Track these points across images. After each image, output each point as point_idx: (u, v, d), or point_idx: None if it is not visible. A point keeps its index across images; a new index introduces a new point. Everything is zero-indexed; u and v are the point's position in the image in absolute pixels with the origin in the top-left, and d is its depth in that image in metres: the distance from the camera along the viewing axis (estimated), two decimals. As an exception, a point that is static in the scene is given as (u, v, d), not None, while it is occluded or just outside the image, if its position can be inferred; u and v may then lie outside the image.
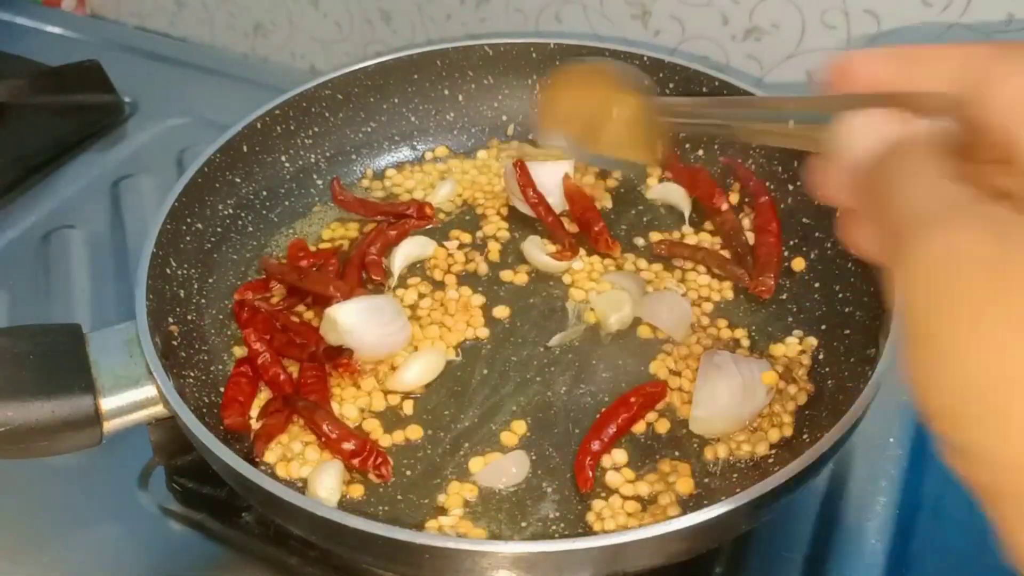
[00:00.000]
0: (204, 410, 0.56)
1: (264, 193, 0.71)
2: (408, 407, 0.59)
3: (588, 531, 0.52)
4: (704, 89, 0.71)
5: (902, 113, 0.34)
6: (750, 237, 0.68)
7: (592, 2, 0.83)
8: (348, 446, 0.54)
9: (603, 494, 0.54)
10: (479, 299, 0.66)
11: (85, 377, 0.52)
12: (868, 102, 0.35)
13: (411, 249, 0.68)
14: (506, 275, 0.67)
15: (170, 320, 0.59)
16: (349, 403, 0.59)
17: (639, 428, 0.58)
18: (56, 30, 1.03)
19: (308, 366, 0.59)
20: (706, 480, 0.55)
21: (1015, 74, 0.32)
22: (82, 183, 0.84)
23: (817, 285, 0.65)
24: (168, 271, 0.60)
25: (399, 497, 0.54)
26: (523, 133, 0.77)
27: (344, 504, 0.54)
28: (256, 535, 0.58)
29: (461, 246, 0.70)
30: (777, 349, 0.61)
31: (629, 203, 0.73)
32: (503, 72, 0.76)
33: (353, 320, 0.59)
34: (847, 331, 0.60)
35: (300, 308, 0.64)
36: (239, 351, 0.62)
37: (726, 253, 0.67)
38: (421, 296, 0.66)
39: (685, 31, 0.81)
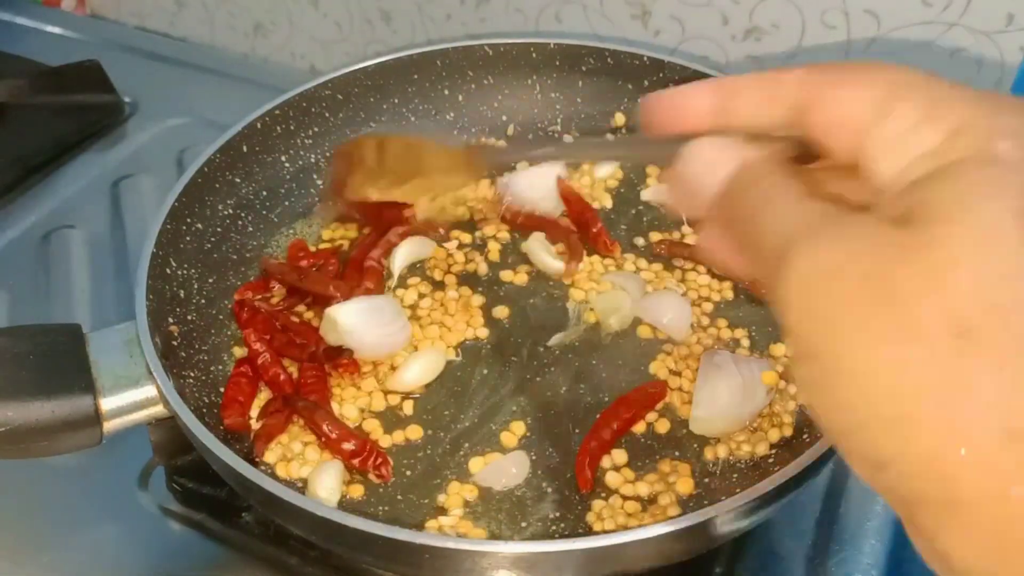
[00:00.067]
0: (204, 410, 0.56)
1: (264, 193, 0.71)
2: (408, 407, 0.59)
3: (588, 531, 0.52)
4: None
5: (736, 139, 0.34)
6: (750, 237, 0.68)
7: (592, 2, 0.83)
8: (348, 446, 0.54)
9: (603, 494, 0.54)
10: (479, 299, 0.66)
11: (85, 377, 0.52)
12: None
13: (411, 249, 0.68)
14: (506, 275, 0.67)
15: (170, 320, 0.59)
16: (349, 403, 0.59)
17: (639, 428, 0.58)
18: (56, 30, 1.03)
19: (308, 366, 0.59)
20: (706, 480, 0.55)
21: (835, 98, 0.32)
22: (82, 183, 0.84)
23: (817, 285, 0.64)
24: (168, 271, 0.60)
25: (399, 497, 0.54)
26: (523, 134, 0.77)
27: (344, 504, 0.54)
28: (256, 535, 0.58)
29: (461, 246, 0.70)
30: (777, 349, 0.61)
31: (629, 203, 0.73)
32: (503, 72, 0.76)
33: (353, 320, 0.59)
34: (847, 331, 0.60)
35: (300, 308, 0.64)
36: (239, 351, 0.62)
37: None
38: (421, 296, 0.66)
39: (685, 31, 0.81)
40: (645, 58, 0.73)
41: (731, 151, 0.34)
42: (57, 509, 0.60)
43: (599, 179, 0.74)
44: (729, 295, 0.65)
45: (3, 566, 0.57)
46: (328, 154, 0.74)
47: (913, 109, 0.29)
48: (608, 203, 0.73)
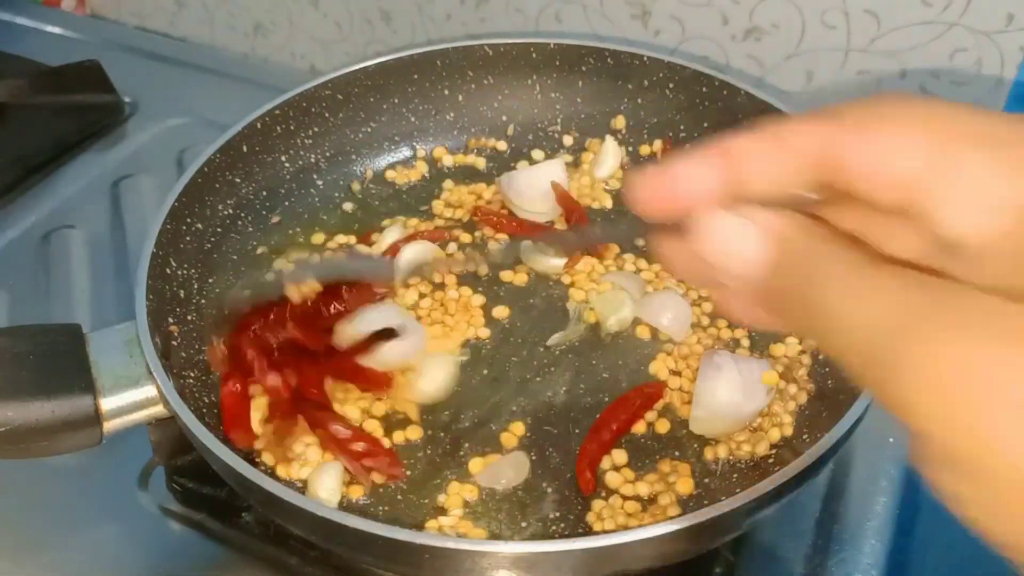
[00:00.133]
0: (204, 410, 0.56)
1: (264, 193, 0.71)
2: (409, 408, 0.59)
3: (588, 531, 0.52)
4: (704, 89, 0.72)
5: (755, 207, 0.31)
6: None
7: (592, 2, 0.83)
8: (358, 447, 0.54)
9: (603, 494, 0.54)
10: (479, 299, 0.66)
11: (85, 377, 0.52)
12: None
13: (414, 254, 0.67)
14: (506, 275, 0.67)
15: (170, 320, 0.59)
16: (351, 404, 0.59)
17: (639, 428, 0.58)
18: (56, 30, 1.03)
19: (307, 368, 0.58)
20: (706, 480, 0.55)
21: (874, 152, 0.28)
22: (82, 183, 0.84)
23: (817, 285, 0.64)
24: (168, 271, 0.60)
25: (399, 497, 0.54)
26: (523, 134, 0.77)
27: (344, 505, 0.54)
28: (256, 535, 0.58)
29: (461, 246, 0.70)
30: (777, 349, 0.61)
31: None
32: (503, 72, 0.76)
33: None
34: (847, 331, 0.60)
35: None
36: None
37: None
38: (422, 296, 0.66)
39: (685, 31, 0.81)
40: (645, 58, 0.73)
41: (757, 222, 0.30)
42: (57, 509, 0.60)
43: (599, 179, 0.74)
44: (729, 295, 0.65)
45: (3, 566, 0.57)
46: (328, 154, 0.74)
47: (976, 152, 0.26)
48: (608, 203, 0.73)
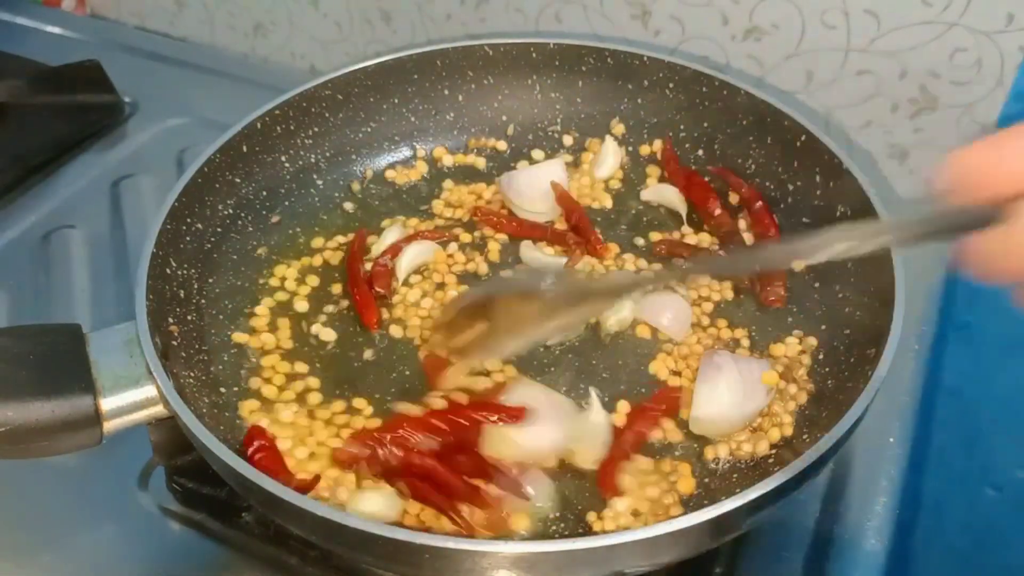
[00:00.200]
0: (204, 410, 0.55)
1: (264, 193, 0.71)
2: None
3: (588, 531, 0.52)
4: (704, 89, 0.72)
5: None
6: (747, 238, 0.68)
7: (592, 2, 0.83)
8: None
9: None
10: (479, 299, 0.66)
11: (85, 377, 0.52)
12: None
13: (415, 254, 0.67)
14: (506, 275, 0.67)
15: (170, 320, 0.59)
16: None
17: (639, 428, 0.58)
18: (56, 30, 1.03)
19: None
20: (706, 480, 0.55)
21: None
22: (82, 183, 0.84)
23: (817, 285, 0.65)
24: (168, 271, 0.60)
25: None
26: (523, 134, 0.77)
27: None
28: (256, 535, 0.58)
29: (461, 247, 0.70)
30: (777, 349, 0.61)
31: (629, 203, 0.73)
32: (503, 72, 0.76)
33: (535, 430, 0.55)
34: (847, 331, 0.60)
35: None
36: (239, 351, 0.62)
37: (724, 254, 0.67)
38: (424, 295, 0.66)
39: (685, 31, 0.81)
40: (645, 58, 0.73)
41: None
42: (57, 509, 0.60)
43: (599, 179, 0.74)
44: (729, 295, 0.65)
45: (3, 566, 0.57)
46: (328, 154, 0.74)
47: None
48: (608, 203, 0.73)
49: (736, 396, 0.56)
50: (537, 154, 0.77)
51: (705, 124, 0.73)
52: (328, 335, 0.63)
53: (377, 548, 0.46)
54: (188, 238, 0.64)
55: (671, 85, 0.73)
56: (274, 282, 0.67)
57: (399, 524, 0.52)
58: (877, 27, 0.74)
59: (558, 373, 0.61)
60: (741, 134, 0.71)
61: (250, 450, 0.54)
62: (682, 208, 0.71)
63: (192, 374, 0.58)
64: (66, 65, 0.91)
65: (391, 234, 0.69)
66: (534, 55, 0.76)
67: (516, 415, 0.55)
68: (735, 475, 0.55)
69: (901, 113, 0.77)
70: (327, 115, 0.73)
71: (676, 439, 0.57)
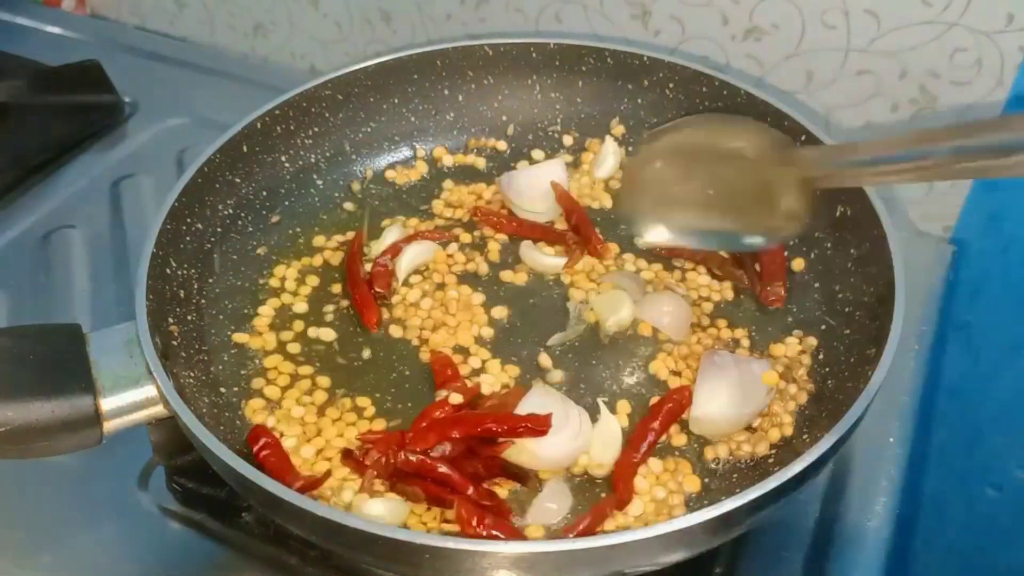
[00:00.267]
0: (204, 410, 0.56)
1: (264, 193, 0.71)
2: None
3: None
4: (704, 89, 0.72)
5: None
6: (750, 237, 0.68)
7: (592, 2, 0.83)
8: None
9: (603, 495, 0.54)
10: (479, 298, 0.66)
11: (85, 377, 0.52)
12: None
13: (415, 254, 0.67)
14: (506, 275, 0.67)
15: (170, 320, 0.59)
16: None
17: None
18: (56, 30, 1.03)
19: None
20: (707, 480, 0.55)
21: None
22: (82, 183, 0.84)
23: (817, 285, 0.65)
24: (168, 271, 0.60)
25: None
26: (523, 134, 0.77)
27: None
28: (256, 535, 0.58)
29: (461, 247, 0.70)
30: (777, 349, 0.61)
31: (629, 203, 0.73)
32: (503, 72, 0.76)
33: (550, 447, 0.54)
34: (847, 331, 0.60)
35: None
36: (238, 351, 0.62)
37: (724, 253, 0.67)
38: (424, 295, 0.66)
39: (685, 31, 0.81)
40: (645, 58, 0.73)
41: None
42: (57, 509, 0.60)
43: (599, 179, 0.74)
44: (729, 295, 0.65)
45: (3, 566, 0.57)
46: (328, 154, 0.74)
47: None
48: (608, 203, 0.73)
49: (736, 396, 0.56)
50: (537, 154, 0.77)
51: (705, 124, 0.73)
52: (328, 335, 0.64)
53: (377, 548, 0.46)
54: (188, 238, 0.64)
55: (671, 85, 0.73)
56: (274, 282, 0.67)
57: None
58: (877, 27, 0.74)
59: (558, 374, 0.61)
60: (741, 134, 0.71)
61: (255, 448, 0.55)
62: (682, 208, 0.71)
63: (192, 374, 0.58)
64: (66, 65, 0.91)
65: (391, 234, 0.69)
66: (534, 55, 0.76)
67: (540, 427, 0.53)
68: (735, 475, 0.55)
69: (901, 113, 0.77)
70: (327, 115, 0.73)
71: (678, 440, 0.57)
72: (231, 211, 0.68)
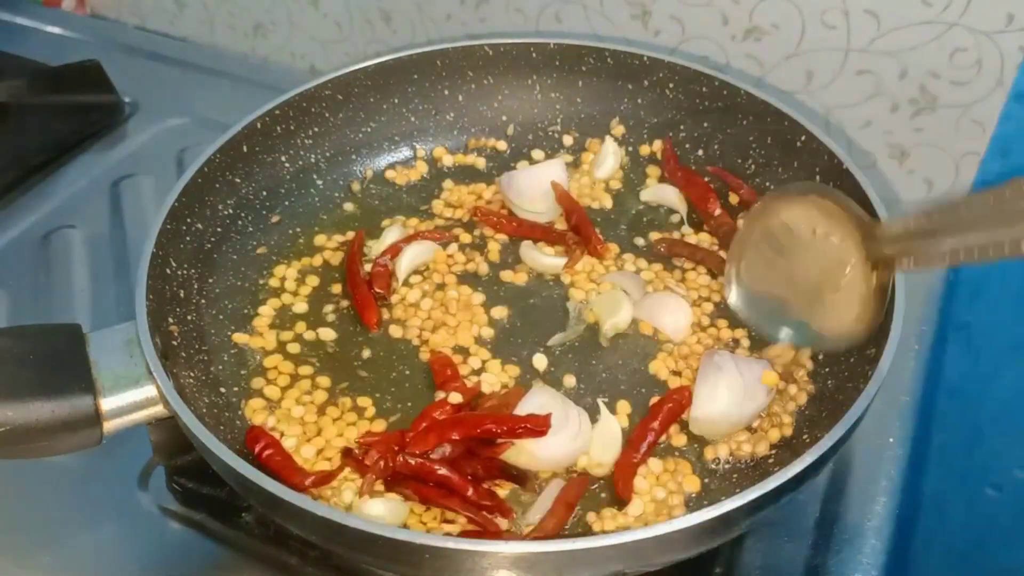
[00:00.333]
0: (204, 410, 0.56)
1: (264, 193, 0.71)
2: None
3: (588, 531, 0.52)
4: (704, 89, 0.72)
5: None
6: (750, 237, 0.68)
7: (592, 2, 0.83)
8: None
9: (603, 495, 0.54)
10: (479, 298, 0.66)
11: (85, 377, 0.52)
12: None
13: (416, 254, 0.68)
14: (506, 275, 0.67)
15: (170, 320, 0.59)
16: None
17: (639, 428, 0.58)
18: (56, 30, 1.03)
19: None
20: (707, 480, 0.55)
21: None
22: (82, 183, 0.84)
23: (817, 285, 0.65)
24: (168, 271, 0.60)
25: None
26: (523, 134, 0.77)
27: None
28: (256, 535, 0.58)
29: (461, 247, 0.70)
30: (777, 349, 0.61)
31: (629, 203, 0.73)
32: (503, 72, 0.76)
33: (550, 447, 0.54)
34: (847, 331, 0.60)
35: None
36: (238, 351, 0.62)
37: (723, 254, 0.68)
38: (424, 295, 0.66)
39: (685, 31, 0.81)
40: (645, 58, 0.73)
41: None
42: (57, 509, 0.60)
43: (599, 179, 0.74)
44: (729, 295, 0.65)
45: (3, 566, 0.57)
46: (328, 154, 0.74)
47: None
48: (608, 203, 0.73)
49: (736, 396, 0.56)
50: (537, 154, 0.77)
51: (705, 124, 0.73)
52: (328, 335, 0.64)
53: (377, 548, 0.46)
54: (188, 238, 0.64)
55: (671, 85, 0.73)
56: (274, 282, 0.67)
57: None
58: (877, 27, 0.74)
59: (558, 373, 0.61)
60: (741, 134, 0.71)
61: (257, 448, 0.55)
62: (682, 208, 0.71)
63: (192, 374, 0.58)
64: (66, 65, 0.91)
65: (391, 234, 0.69)
66: (534, 55, 0.76)
67: (540, 428, 0.53)
68: (735, 475, 0.55)
69: (901, 113, 0.77)
70: (327, 115, 0.73)
71: (678, 441, 0.57)
72: (231, 211, 0.68)
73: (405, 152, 0.77)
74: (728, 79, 0.70)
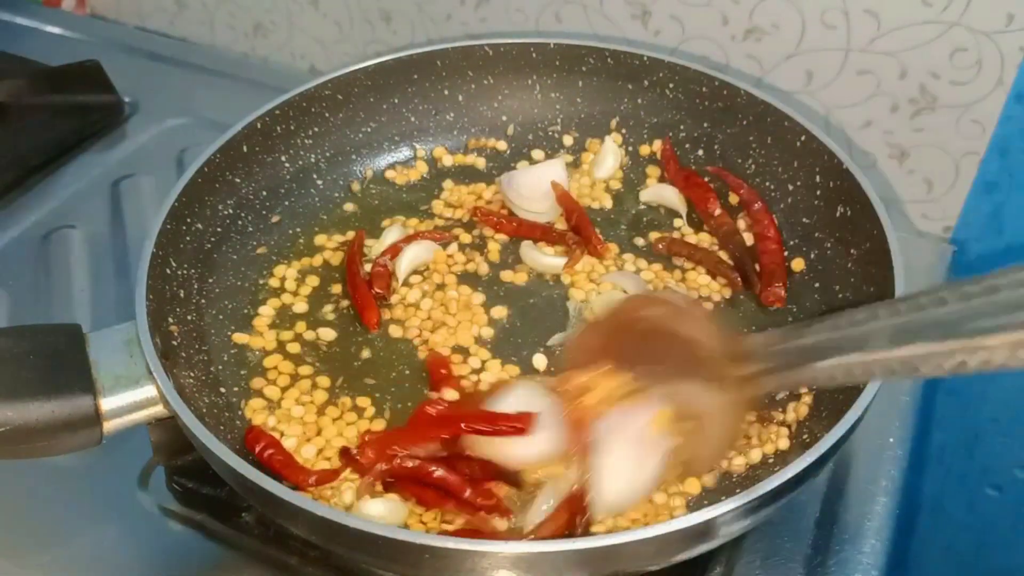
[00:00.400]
0: (204, 410, 0.56)
1: (264, 193, 0.71)
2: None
3: (587, 531, 0.52)
4: (704, 89, 0.72)
5: None
6: (747, 238, 0.68)
7: (592, 2, 0.83)
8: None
9: (603, 494, 0.54)
10: (479, 298, 0.66)
11: (85, 377, 0.52)
12: None
13: (416, 254, 0.68)
14: (506, 275, 0.67)
15: (170, 320, 0.59)
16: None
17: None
18: (56, 30, 1.03)
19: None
20: (707, 481, 0.55)
21: None
22: (82, 183, 0.84)
23: (817, 285, 0.65)
24: (168, 271, 0.60)
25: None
26: (523, 134, 0.77)
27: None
28: (256, 535, 0.58)
29: (461, 247, 0.70)
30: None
31: (629, 203, 0.73)
32: (503, 72, 0.76)
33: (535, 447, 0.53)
34: (847, 331, 0.60)
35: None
36: (238, 351, 0.62)
37: (723, 255, 0.67)
38: (423, 295, 0.66)
39: (685, 31, 0.81)
40: (645, 58, 0.73)
41: None
42: (57, 509, 0.60)
43: (599, 180, 0.74)
44: (729, 295, 0.65)
45: (3, 566, 0.57)
46: (328, 154, 0.74)
47: None
48: (608, 203, 0.73)
49: (633, 459, 0.50)
50: (537, 154, 0.77)
51: (705, 124, 0.73)
52: (328, 335, 0.64)
53: (377, 548, 0.46)
54: (188, 238, 0.64)
55: (671, 85, 0.73)
56: (274, 282, 0.67)
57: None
58: (877, 27, 0.74)
59: (559, 374, 0.61)
60: (741, 134, 0.71)
61: (257, 448, 0.55)
62: (682, 208, 0.71)
63: (192, 374, 0.58)
64: (66, 65, 0.91)
65: (391, 234, 0.69)
66: (534, 55, 0.76)
67: (523, 426, 0.53)
68: (735, 476, 0.55)
69: (901, 113, 0.77)
70: (327, 115, 0.73)
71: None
72: (231, 211, 0.68)
73: (405, 152, 0.77)
74: (728, 79, 0.70)
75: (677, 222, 0.71)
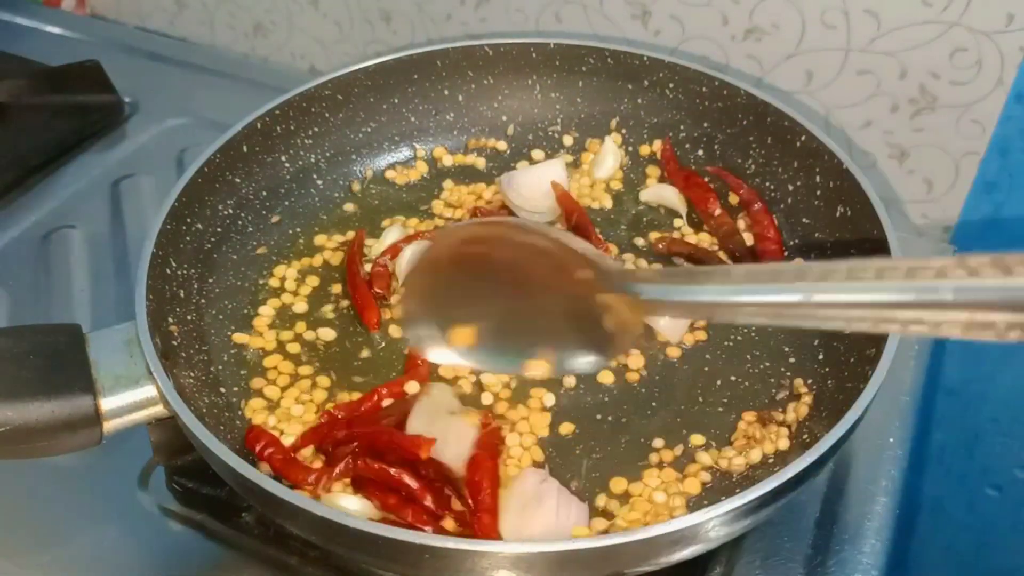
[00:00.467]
0: (204, 410, 0.56)
1: (264, 193, 0.71)
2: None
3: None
4: (704, 89, 0.72)
5: None
6: (747, 238, 0.68)
7: (592, 2, 0.83)
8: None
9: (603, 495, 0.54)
10: (479, 299, 0.66)
11: (85, 377, 0.52)
12: None
13: (416, 254, 0.67)
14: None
15: (170, 320, 0.59)
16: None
17: (639, 428, 0.57)
18: (56, 30, 1.03)
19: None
20: (707, 481, 0.55)
21: None
22: (82, 183, 0.84)
23: (817, 285, 0.64)
24: (168, 271, 0.60)
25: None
26: (523, 134, 0.77)
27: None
28: (256, 535, 0.58)
29: (461, 246, 0.70)
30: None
31: (629, 203, 0.73)
32: (503, 72, 0.76)
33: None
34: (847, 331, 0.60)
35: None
36: (238, 351, 0.62)
37: (723, 255, 0.68)
38: (421, 296, 0.66)
39: (685, 31, 0.81)
40: (645, 58, 0.73)
41: None
42: (57, 509, 0.60)
43: (599, 180, 0.74)
44: (729, 295, 0.65)
45: (3, 566, 0.57)
46: (328, 154, 0.74)
47: None
48: (608, 203, 0.73)
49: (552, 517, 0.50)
50: (537, 154, 0.77)
51: (705, 124, 0.73)
52: (328, 335, 0.64)
53: (377, 548, 0.46)
54: (188, 238, 0.64)
55: (671, 85, 0.73)
56: (274, 282, 0.67)
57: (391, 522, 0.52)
58: (877, 27, 0.74)
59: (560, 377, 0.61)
60: (741, 134, 0.71)
61: (258, 448, 0.55)
62: (682, 208, 0.71)
63: (192, 374, 0.58)
64: (66, 65, 0.91)
65: (391, 234, 0.69)
66: (534, 55, 0.76)
67: (418, 451, 0.52)
68: (735, 476, 0.55)
69: (901, 113, 0.77)
70: (327, 115, 0.73)
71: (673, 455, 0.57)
72: (231, 211, 0.68)
73: (405, 152, 0.77)
74: (728, 79, 0.70)
75: (677, 222, 0.71)
